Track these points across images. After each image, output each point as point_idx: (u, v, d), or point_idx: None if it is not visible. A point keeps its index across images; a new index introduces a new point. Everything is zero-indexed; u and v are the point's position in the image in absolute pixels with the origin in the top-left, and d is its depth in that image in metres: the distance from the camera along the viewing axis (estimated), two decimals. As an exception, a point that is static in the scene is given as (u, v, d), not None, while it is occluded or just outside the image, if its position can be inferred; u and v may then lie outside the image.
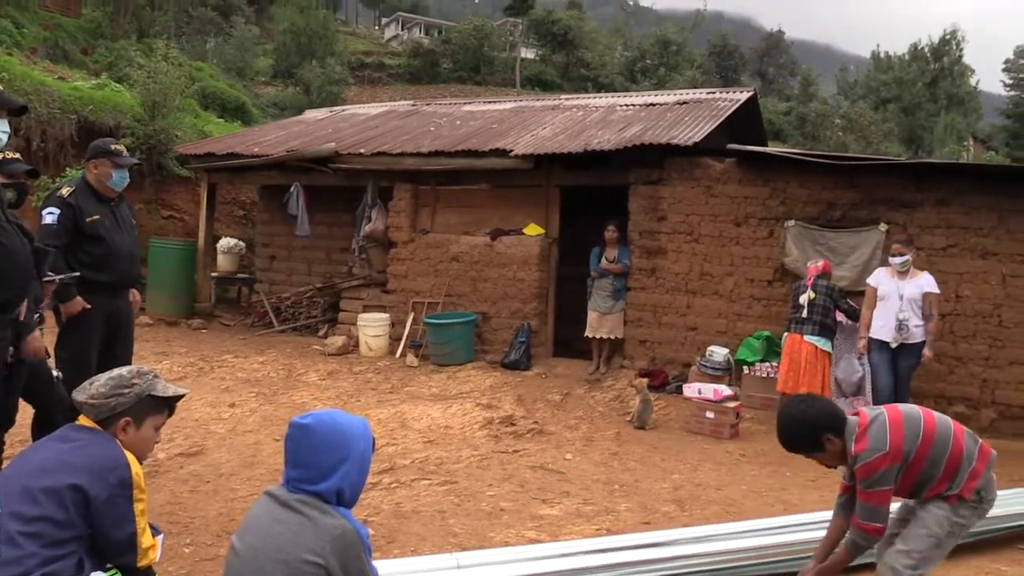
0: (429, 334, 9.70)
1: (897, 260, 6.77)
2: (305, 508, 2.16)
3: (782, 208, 8.41)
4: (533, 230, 9.80)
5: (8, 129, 3.43)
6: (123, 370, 2.54)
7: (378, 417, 6.75)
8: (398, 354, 9.98)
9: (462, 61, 49.19)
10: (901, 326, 6.65)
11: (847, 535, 3.30)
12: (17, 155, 4.35)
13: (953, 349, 7.64)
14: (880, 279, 6.88)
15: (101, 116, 13.37)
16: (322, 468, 2.20)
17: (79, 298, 4.61)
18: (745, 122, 11.70)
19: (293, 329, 11.37)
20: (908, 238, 7.09)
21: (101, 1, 28.64)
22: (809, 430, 3.15)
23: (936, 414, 3.32)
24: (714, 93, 11.84)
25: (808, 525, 4.09)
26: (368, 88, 44.38)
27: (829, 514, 4.28)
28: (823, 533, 3.98)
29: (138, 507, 2.33)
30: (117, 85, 15.99)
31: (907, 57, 48.59)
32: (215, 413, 6.80)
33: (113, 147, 4.97)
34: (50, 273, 4.43)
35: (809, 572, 3.36)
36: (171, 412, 2.63)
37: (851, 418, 3.23)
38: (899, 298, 6.68)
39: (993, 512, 4.26)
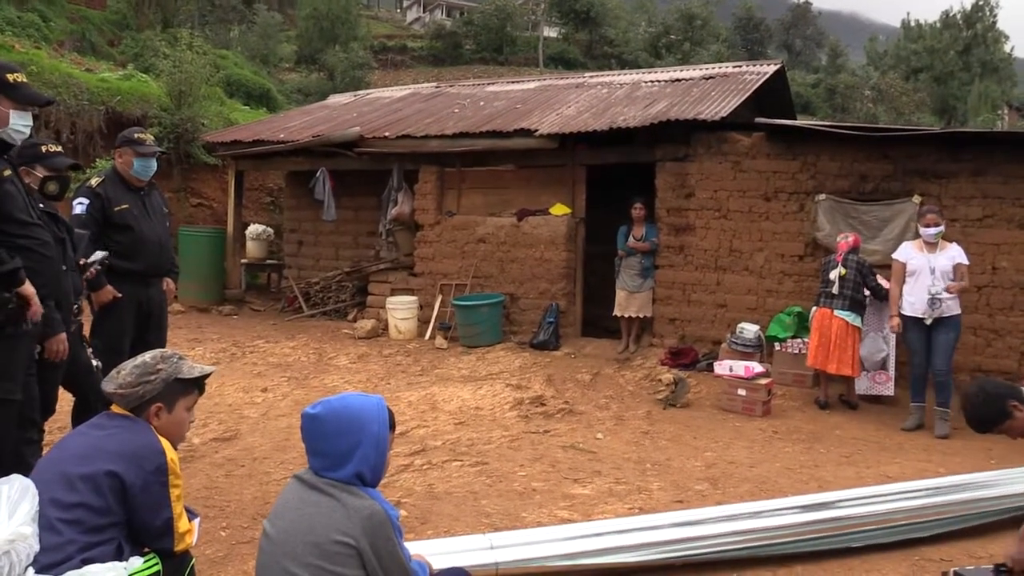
0: (457, 316, 9.72)
1: (931, 231, 6.60)
2: (334, 490, 2.17)
3: (812, 182, 8.29)
4: (559, 210, 9.75)
5: (30, 123, 3.44)
6: (147, 356, 2.55)
7: (408, 399, 6.78)
8: (427, 336, 10.01)
9: (484, 42, 49.00)
10: (934, 301, 6.48)
11: None
12: (59, 148, 4.38)
13: (990, 322, 7.50)
14: (909, 254, 6.71)
15: (128, 107, 13.49)
16: (338, 455, 2.20)
17: (109, 287, 4.66)
18: (773, 95, 11.53)
19: (323, 314, 11.44)
20: (939, 209, 6.93)
21: (126, -8, 28.82)
22: (996, 399, 3.28)
23: None
24: (740, 67, 11.67)
25: (843, 502, 4.05)
26: (391, 71, 44.36)
27: (865, 490, 4.29)
28: (858, 510, 3.99)
29: (174, 492, 2.35)
30: (143, 75, 16.12)
31: (938, 25, 47.53)
32: (248, 398, 6.87)
33: (137, 136, 4.99)
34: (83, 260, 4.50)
35: (1019, 550, 3.32)
36: (201, 391, 2.64)
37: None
38: (930, 272, 6.50)
39: (993, 492, 4.21)
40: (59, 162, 4.28)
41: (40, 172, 4.16)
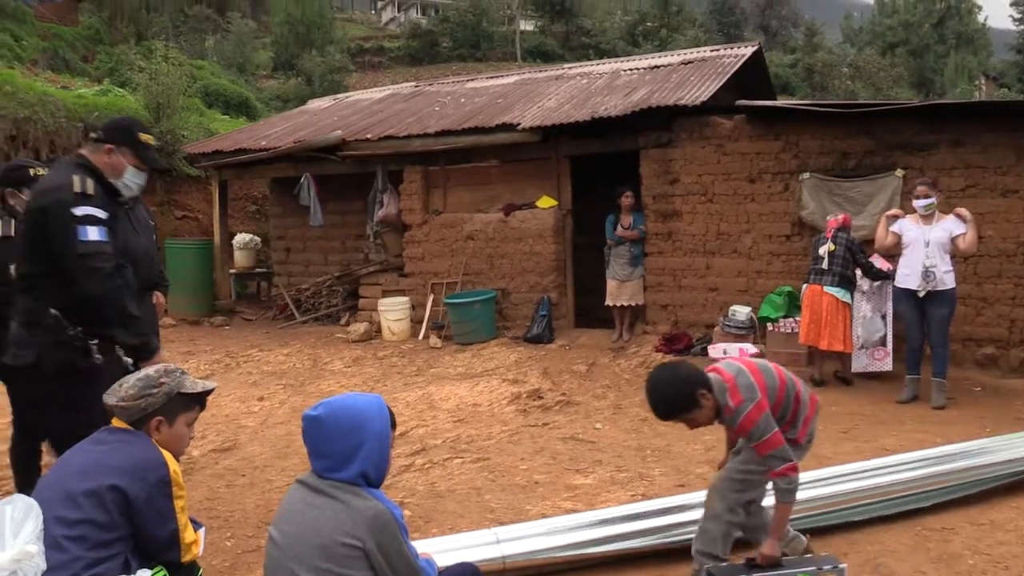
0: (450, 314, 9.72)
1: (921, 203, 6.56)
2: (337, 492, 2.18)
3: (795, 161, 8.32)
4: (546, 203, 9.76)
5: (143, 183, 3.51)
6: (150, 369, 2.55)
7: (406, 400, 6.78)
8: (421, 336, 10.01)
9: (461, 39, 48.81)
10: (927, 273, 6.46)
11: (738, 471, 3.28)
12: (45, 171, 4.35)
13: (979, 291, 7.55)
14: (903, 225, 6.69)
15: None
16: (342, 456, 2.21)
17: None
18: (752, 78, 11.57)
19: (315, 319, 11.42)
20: (932, 180, 6.90)
21: (97, 7, 28.64)
22: (684, 386, 3.04)
23: (778, 365, 3.38)
24: (718, 50, 11.71)
25: (843, 477, 4.08)
26: (369, 73, 44.18)
27: (864, 464, 4.32)
28: (858, 484, 4.01)
29: (178, 504, 2.35)
30: (120, 90, 16.02)
31: (912, -1, 47.65)
32: (245, 408, 6.85)
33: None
34: None
35: (767, 546, 3.20)
36: (202, 407, 2.65)
37: (712, 375, 3.16)
38: (924, 244, 6.48)
39: (991, 458, 4.23)
40: None
41: (26, 195, 4.13)
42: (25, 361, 3.21)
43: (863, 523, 3.89)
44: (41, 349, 3.15)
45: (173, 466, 2.36)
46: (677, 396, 3.06)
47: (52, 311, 3.12)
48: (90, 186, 3.17)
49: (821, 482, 4.00)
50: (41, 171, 4.28)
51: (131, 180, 3.42)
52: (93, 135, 3.38)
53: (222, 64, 32.59)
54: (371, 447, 2.23)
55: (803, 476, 4.10)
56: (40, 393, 3.24)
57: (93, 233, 3.10)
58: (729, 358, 3.33)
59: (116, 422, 2.45)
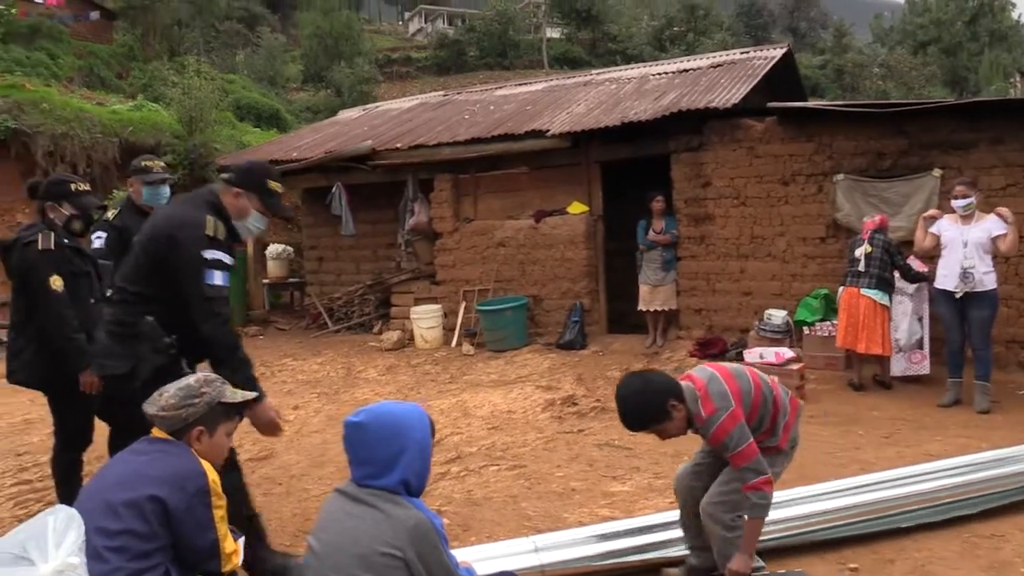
0: (482, 321, 9.71)
1: (960, 203, 6.39)
2: (377, 501, 2.16)
3: (829, 162, 8.21)
4: (577, 208, 9.73)
5: (263, 227, 3.57)
6: (191, 379, 2.55)
7: (440, 407, 6.77)
8: (453, 344, 10.01)
9: (488, 48, 49.04)
10: (966, 274, 6.30)
11: (725, 494, 3.13)
12: (88, 187, 4.40)
13: (1020, 292, 7.38)
14: (942, 225, 6.53)
15: (141, 136, 13.64)
16: (383, 463, 2.19)
17: None
18: (782, 80, 11.45)
19: (348, 328, 11.48)
20: (971, 180, 6.72)
21: (130, 24, 29.16)
22: (655, 397, 2.97)
23: (755, 368, 3.29)
24: (748, 53, 11.61)
25: (888, 483, 3.99)
26: (398, 83, 44.51)
27: (908, 470, 4.22)
28: (903, 490, 3.92)
29: (217, 514, 2.35)
30: (154, 104, 16.30)
31: (943, -4, 47.01)
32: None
33: (144, 164, 4.93)
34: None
35: (737, 561, 3.11)
36: (242, 417, 2.66)
37: (684, 383, 3.08)
38: (963, 244, 6.31)
39: (1003, 470, 4.09)
40: (87, 202, 4.31)
41: (67, 209, 4.19)
42: (114, 371, 3.24)
43: (910, 529, 3.79)
44: (138, 357, 3.17)
45: (212, 476, 2.36)
46: (647, 407, 2.99)
47: (148, 318, 3.17)
48: (220, 230, 3.25)
49: (865, 488, 3.91)
50: (82, 186, 4.34)
51: (253, 224, 3.48)
52: (224, 176, 3.46)
53: (253, 78, 33.04)
54: (412, 455, 2.22)
55: (846, 482, 4.08)
56: (123, 396, 3.23)
57: (218, 278, 3.20)
58: (706, 364, 3.24)
59: (156, 432, 2.45)
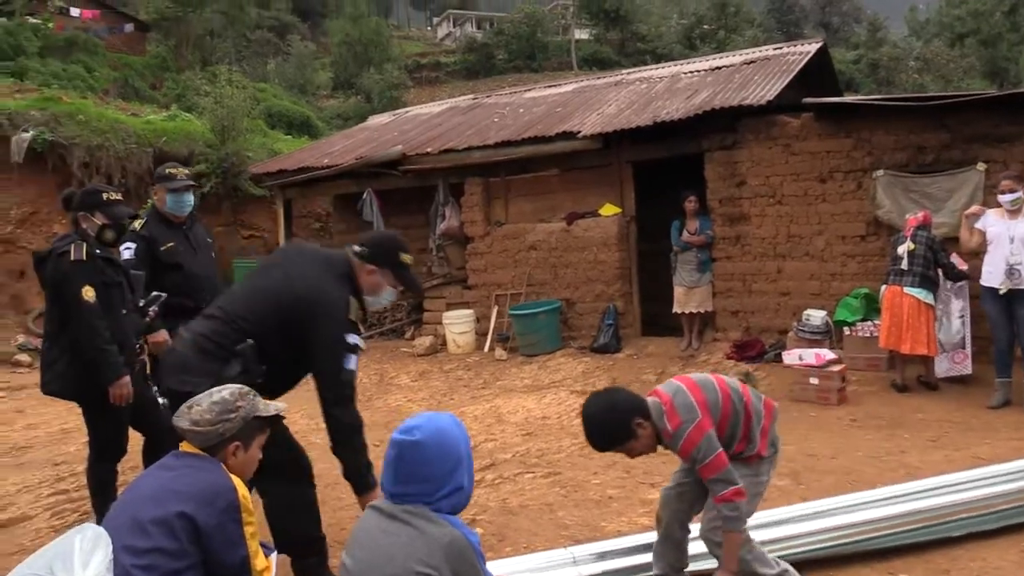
0: (515, 325, 9.64)
1: (1008, 197, 6.23)
2: (412, 519, 2.09)
3: (868, 158, 8.02)
4: (609, 210, 9.62)
5: (394, 298, 3.59)
6: (225, 392, 2.47)
7: (474, 414, 6.71)
8: (486, 348, 9.95)
9: (516, 50, 49.03)
10: (1012, 271, 6.15)
11: (718, 518, 2.99)
12: (120, 197, 4.38)
13: (1071, 287, 7.13)
14: (988, 220, 6.36)
15: (175, 146, 13.75)
16: (439, 479, 2.12)
17: (164, 331, 4.54)
18: (817, 76, 11.23)
19: (380, 334, 11.47)
20: (1019, 173, 6.51)
21: (163, 36, 29.58)
22: (620, 416, 2.89)
23: (722, 376, 3.18)
24: (781, 48, 11.42)
25: (938, 490, 3.83)
26: (427, 88, 44.67)
27: (959, 475, 4.06)
28: (955, 497, 3.77)
29: (248, 530, 2.29)
30: (187, 114, 16.45)
31: (981, -13, 46.06)
32: (314, 424, 6.84)
33: (168, 171, 4.90)
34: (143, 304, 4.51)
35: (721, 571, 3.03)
36: (271, 429, 2.60)
37: (651, 399, 2.99)
38: (1009, 240, 6.15)
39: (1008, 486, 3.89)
40: (119, 212, 4.28)
41: (99, 219, 4.18)
42: (189, 389, 2.87)
43: (963, 539, 3.64)
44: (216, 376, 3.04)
45: (242, 491, 2.30)
46: (611, 427, 2.91)
47: (250, 341, 3.14)
48: (356, 311, 3.27)
49: (915, 495, 3.77)
50: (114, 196, 4.33)
51: (386, 298, 3.49)
52: (356, 250, 3.39)
53: (284, 86, 33.35)
54: (464, 468, 2.17)
55: (893, 489, 3.94)
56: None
57: (352, 363, 3.20)
58: (674, 378, 3.13)
59: (185, 446, 2.40)
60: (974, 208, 6.61)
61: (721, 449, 2.91)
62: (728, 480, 2.90)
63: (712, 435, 2.91)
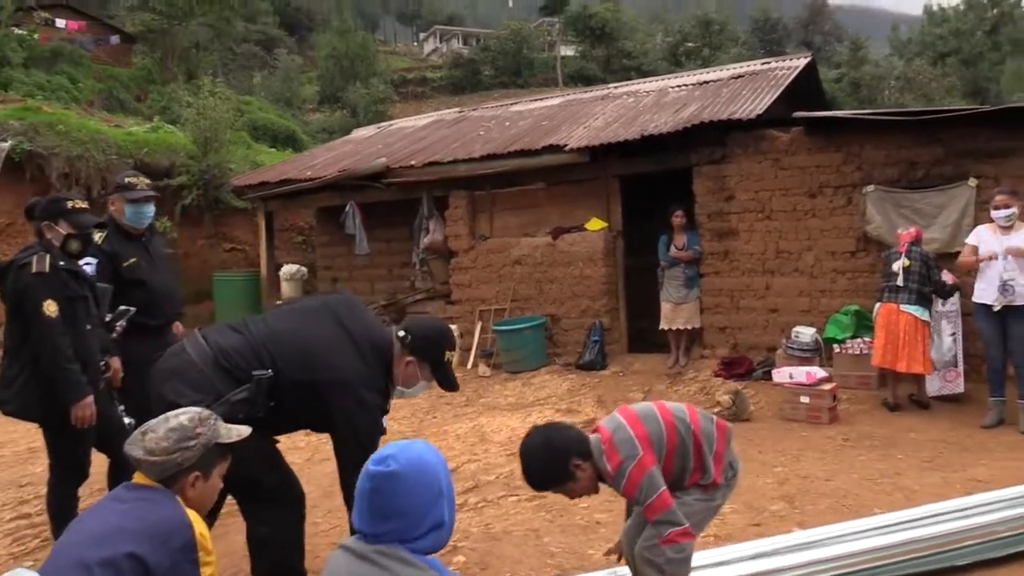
0: (499, 341, 9.46)
1: (1001, 213, 6.12)
2: (385, 560, 1.86)
3: (858, 173, 7.92)
4: (595, 224, 9.47)
5: (423, 391, 3.57)
6: (183, 417, 2.23)
7: (456, 432, 6.52)
8: (469, 365, 9.75)
9: (503, 66, 49.18)
10: (1005, 287, 6.03)
11: (655, 536, 2.80)
12: (86, 205, 4.15)
13: (1064, 305, 7.04)
14: (981, 236, 6.26)
15: (156, 157, 13.54)
16: (419, 513, 1.91)
17: (117, 359, 4.30)
18: (805, 91, 11.15)
19: (362, 350, 11.24)
20: (1013, 189, 6.40)
21: (150, 48, 29.37)
22: (556, 456, 2.71)
23: (667, 403, 3.01)
24: (769, 63, 11.35)
25: (939, 516, 3.69)
26: (413, 103, 44.61)
27: (960, 501, 3.92)
28: (957, 524, 3.62)
29: (205, 571, 2.05)
30: (170, 126, 16.25)
31: (962, 7, 46.66)
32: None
33: (127, 180, 4.61)
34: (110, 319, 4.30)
35: None
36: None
37: (592, 436, 2.82)
38: (1003, 257, 6.04)
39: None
40: (84, 220, 4.06)
41: (63, 228, 3.98)
42: (180, 401, 2.80)
43: (969, 567, 3.49)
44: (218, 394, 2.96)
45: (199, 528, 2.08)
46: (548, 468, 2.73)
47: (267, 373, 3.03)
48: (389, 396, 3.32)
49: (916, 523, 3.62)
50: (80, 204, 4.12)
51: (416, 390, 3.40)
52: (401, 335, 3.28)
53: (270, 99, 33.16)
54: (446, 499, 1.96)
55: (894, 516, 3.78)
56: None
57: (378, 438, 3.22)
58: (616, 411, 2.95)
59: (139, 477, 2.16)
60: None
61: (664, 487, 2.72)
62: (672, 521, 2.72)
63: (654, 472, 2.72)
